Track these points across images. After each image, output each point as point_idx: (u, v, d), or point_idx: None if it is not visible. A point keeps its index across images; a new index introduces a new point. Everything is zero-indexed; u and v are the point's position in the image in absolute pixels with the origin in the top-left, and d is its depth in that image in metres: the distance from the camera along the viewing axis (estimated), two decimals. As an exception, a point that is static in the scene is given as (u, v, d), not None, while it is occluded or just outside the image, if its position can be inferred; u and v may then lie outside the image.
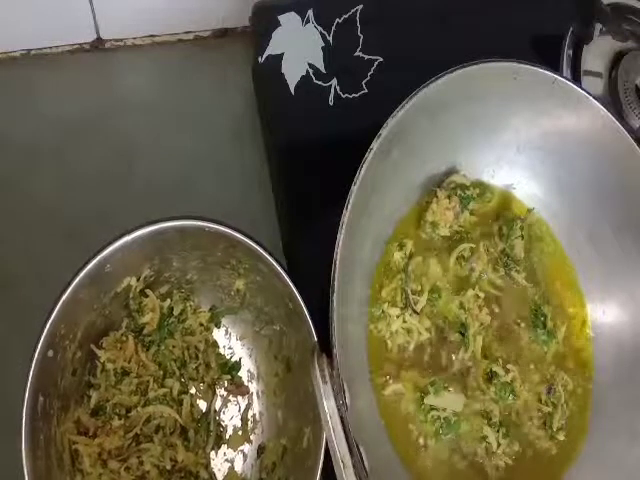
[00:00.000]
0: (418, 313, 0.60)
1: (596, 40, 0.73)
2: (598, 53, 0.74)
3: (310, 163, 0.65)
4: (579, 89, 0.58)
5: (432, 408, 0.58)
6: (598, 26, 0.73)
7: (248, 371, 0.63)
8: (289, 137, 0.67)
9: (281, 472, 0.58)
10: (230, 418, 0.62)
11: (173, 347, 0.60)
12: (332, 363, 0.49)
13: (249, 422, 0.62)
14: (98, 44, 0.74)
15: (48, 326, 0.51)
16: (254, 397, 0.63)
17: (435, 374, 0.59)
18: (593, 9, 0.73)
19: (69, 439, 0.55)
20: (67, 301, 0.52)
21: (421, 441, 0.59)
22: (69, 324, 0.53)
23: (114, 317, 0.59)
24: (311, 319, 0.54)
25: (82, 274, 0.52)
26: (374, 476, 0.49)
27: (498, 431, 0.60)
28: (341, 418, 0.48)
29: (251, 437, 0.62)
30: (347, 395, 0.49)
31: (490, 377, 0.61)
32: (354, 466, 0.48)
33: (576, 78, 0.71)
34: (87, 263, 0.52)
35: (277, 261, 0.55)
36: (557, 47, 0.73)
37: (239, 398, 0.63)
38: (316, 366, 0.50)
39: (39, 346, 0.51)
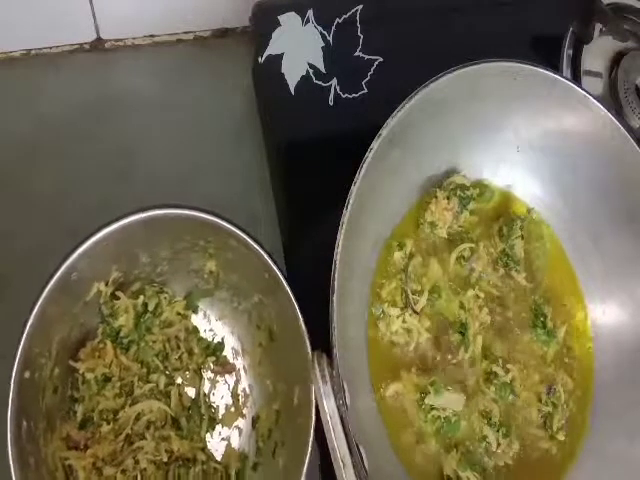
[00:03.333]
0: (418, 313, 0.60)
1: (596, 40, 0.73)
2: (598, 53, 0.74)
3: (310, 163, 0.65)
4: (579, 89, 0.58)
5: (432, 408, 0.58)
6: (598, 26, 0.73)
7: (232, 348, 0.63)
8: (289, 137, 0.67)
9: (277, 436, 0.58)
10: (221, 397, 0.62)
11: (153, 342, 0.60)
12: (332, 363, 0.49)
13: (240, 397, 0.62)
14: (98, 44, 0.74)
15: (21, 348, 0.49)
16: (241, 372, 0.63)
17: (435, 374, 0.59)
18: (593, 9, 0.73)
19: (60, 456, 0.54)
20: (36, 319, 0.50)
21: (421, 441, 0.59)
22: (42, 342, 0.52)
23: (88, 326, 0.58)
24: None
25: (48, 289, 0.50)
26: (374, 476, 0.49)
27: (498, 431, 0.60)
28: (341, 418, 0.48)
29: (244, 411, 0.62)
30: (347, 395, 0.49)
31: (490, 377, 0.61)
32: (354, 466, 0.48)
33: (576, 78, 0.71)
34: (51, 277, 0.50)
35: (247, 233, 0.53)
36: (557, 47, 0.73)
37: (227, 376, 0.62)
38: (316, 366, 0.50)
39: (14, 369, 0.49)
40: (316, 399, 0.50)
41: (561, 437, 0.62)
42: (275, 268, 0.54)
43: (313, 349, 0.52)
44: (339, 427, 0.48)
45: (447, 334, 0.61)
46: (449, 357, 0.60)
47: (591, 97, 0.58)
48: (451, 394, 0.59)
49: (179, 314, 0.62)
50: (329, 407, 0.48)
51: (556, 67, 0.72)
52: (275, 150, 0.68)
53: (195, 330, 0.63)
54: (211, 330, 0.63)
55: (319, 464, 0.61)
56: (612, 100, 0.72)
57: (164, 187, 0.70)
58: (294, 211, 0.65)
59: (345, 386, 0.49)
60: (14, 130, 0.70)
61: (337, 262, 0.49)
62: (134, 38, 0.75)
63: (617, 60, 0.74)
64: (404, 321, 0.59)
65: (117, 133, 0.72)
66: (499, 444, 0.60)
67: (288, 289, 0.53)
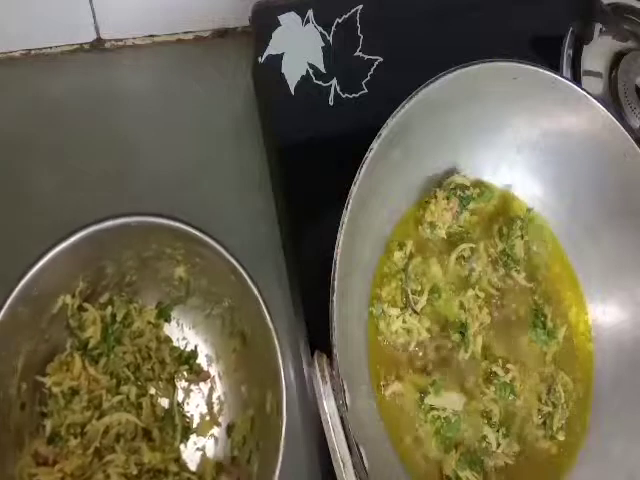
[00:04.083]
0: (418, 313, 0.60)
1: (596, 40, 0.73)
2: (598, 53, 0.74)
3: (310, 163, 0.65)
4: (579, 89, 0.58)
5: (432, 408, 0.58)
6: (598, 26, 0.73)
7: (206, 355, 0.63)
8: (289, 137, 0.67)
9: (252, 443, 0.57)
10: (195, 406, 0.61)
11: (124, 353, 0.59)
12: (332, 363, 0.49)
13: (215, 405, 0.61)
14: (98, 44, 0.74)
15: None
16: (216, 379, 0.62)
17: (435, 374, 0.59)
18: (593, 9, 0.73)
19: (28, 473, 0.53)
20: None
21: (421, 441, 0.59)
22: (5, 360, 0.51)
23: (56, 340, 0.57)
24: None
25: (6, 306, 0.49)
26: (374, 476, 0.49)
27: (498, 431, 0.60)
28: (341, 418, 0.48)
29: (219, 419, 0.61)
30: (347, 395, 0.49)
31: (490, 377, 0.61)
32: (354, 466, 0.48)
33: (576, 78, 0.71)
34: (10, 293, 0.49)
35: (210, 236, 0.53)
36: (557, 47, 0.73)
37: (201, 385, 0.62)
38: (316, 366, 0.50)
39: None
40: (316, 399, 0.50)
41: (561, 437, 0.62)
42: (240, 268, 0.53)
43: (313, 349, 0.52)
44: (339, 427, 0.48)
45: (447, 334, 0.61)
46: (449, 357, 0.61)
47: (591, 97, 0.58)
48: (451, 394, 0.59)
49: (150, 323, 0.61)
50: (329, 407, 0.48)
51: (556, 67, 0.72)
52: (275, 150, 0.68)
53: (167, 340, 0.62)
54: (184, 339, 0.63)
55: (319, 464, 0.61)
56: (612, 100, 0.72)
57: (164, 187, 0.70)
58: (294, 211, 0.65)
59: (345, 386, 0.49)
60: (14, 130, 0.70)
61: (337, 262, 0.49)
62: (134, 38, 0.75)
63: (617, 60, 0.74)
64: (404, 321, 0.59)
65: (117, 133, 0.72)
66: (499, 444, 0.60)
67: (254, 289, 0.53)
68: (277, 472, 0.50)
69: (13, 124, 0.71)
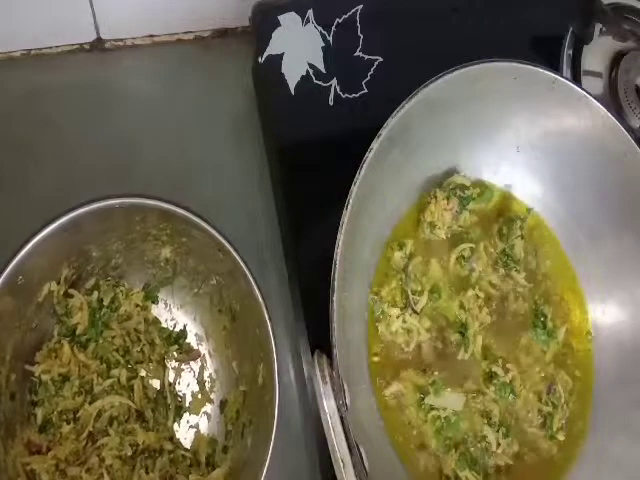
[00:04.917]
0: (418, 313, 0.60)
1: (596, 40, 0.73)
2: (598, 53, 0.74)
3: (310, 163, 0.65)
4: (579, 89, 0.58)
5: (432, 408, 0.58)
6: (598, 26, 0.73)
7: (196, 334, 0.63)
8: (289, 137, 0.67)
9: (245, 417, 0.58)
10: (187, 385, 0.62)
11: (113, 337, 0.59)
12: (332, 363, 0.49)
13: (206, 383, 0.62)
14: (98, 44, 0.74)
15: None
16: (207, 357, 0.62)
17: (435, 374, 0.59)
18: (593, 9, 0.73)
19: (22, 462, 0.53)
20: None
21: (421, 441, 0.59)
22: None
23: (44, 327, 0.57)
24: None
25: None
26: (374, 476, 0.49)
27: (498, 431, 0.60)
28: (341, 418, 0.48)
29: (211, 396, 0.62)
30: (347, 395, 0.49)
31: (490, 377, 0.61)
32: (354, 466, 0.48)
33: (576, 78, 0.71)
34: None
35: (195, 214, 0.53)
36: (557, 47, 0.73)
37: (192, 364, 0.62)
38: (316, 366, 0.50)
39: None
40: (316, 399, 0.50)
41: (561, 437, 0.62)
42: (228, 245, 0.53)
43: (313, 349, 0.52)
44: (339, 427, 0.48)
45: (447, 334, 0.61)
46: (449, 357, 0.61)
47: (591, 97, 0.58)
48: (451, 394, 0.59)
49: (138, 306, 0.61)
50: (329, 407, 0.48)
51: (556, 67, 0.72)
52: (275, 150, 0.68)
53: (156, 321, 0.62)
54: (173, 319, 0.63)
55: (319, 464, 0.61)
56: (612, 100, 0.72)
57: (164, 187, 0.70)
58: (294, 211, 0.65)
59: (345, 386, 0.49)
60: (14, 130, 0.70)
61: (337, 262, 0.49)
62: (134, 38, 0.75)
63: (617, 60, 0.74)
64: (404, 321, 0.59)
65: (117, 133, 0.72)
66: (499, 444, 0.60)
67: (243, 265, 0.53)
68: (271, 443, 0.50)
69: (13, 124, 0.71)
